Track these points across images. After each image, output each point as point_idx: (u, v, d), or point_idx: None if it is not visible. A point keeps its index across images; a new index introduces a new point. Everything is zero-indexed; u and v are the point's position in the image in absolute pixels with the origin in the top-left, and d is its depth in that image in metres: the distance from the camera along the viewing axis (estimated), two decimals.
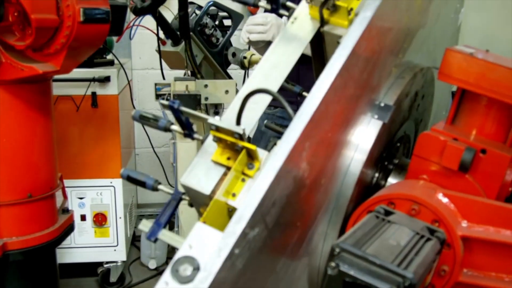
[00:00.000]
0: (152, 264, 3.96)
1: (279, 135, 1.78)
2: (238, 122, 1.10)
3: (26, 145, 1.97)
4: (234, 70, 3.60)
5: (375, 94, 1.14)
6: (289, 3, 1.37)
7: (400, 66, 1.23)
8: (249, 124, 1.17)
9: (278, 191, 0.82)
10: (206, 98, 2.60)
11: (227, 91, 2.62)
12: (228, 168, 1.11)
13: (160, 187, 1.30)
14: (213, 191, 1.10)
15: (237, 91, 3.39)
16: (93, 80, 3.06)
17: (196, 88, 2.47)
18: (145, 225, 1.23)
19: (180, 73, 3.10)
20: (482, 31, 3.51)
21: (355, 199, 1.16)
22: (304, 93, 1.72)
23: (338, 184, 1.11)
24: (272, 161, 0.79)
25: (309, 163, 0.89)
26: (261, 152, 1.10)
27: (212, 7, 3.32)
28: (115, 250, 3.40)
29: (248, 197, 0.78)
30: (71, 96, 3.09)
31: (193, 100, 2.37)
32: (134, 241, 4.29)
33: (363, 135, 1.14)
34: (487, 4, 3.44)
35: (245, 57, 3.45)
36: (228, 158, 1.11)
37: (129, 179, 1.32)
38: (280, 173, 0.79)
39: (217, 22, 3.35)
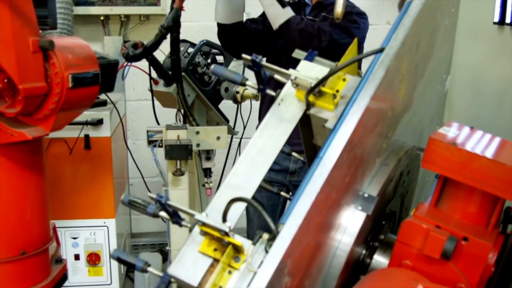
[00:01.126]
0: None
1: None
2: (224, 219, 1.12)
3: (19, 203, 1.99)
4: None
5: (358, 184, 1.17)
6: (276, 76, 1.40)
7: (385, 151, 1.25)
8: (235, 215, 1.18)
9: None
10: (198, 145, 2.62)
11: (218, 137, 2.64)
12: (215, 259, 1.14)
13: (149, 269, 1.31)
14: (200, 283, 1.12)
15: (229, 128, 3.43)
16: (86, 123, 3.09)
17: (188, 136, 2.50)
18: None
19: (172, 114, 3.13)
20: (473, 68, 3.55)
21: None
22: (294, 153, 1.76)
23: (322, 276, 1.13)
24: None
25: (291, 275, 0.91)
26: (246, 244, 1.12)
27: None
28: None
29: None
30: (64, 138, 3.12)
31: (185, 151, 2.39)
32: (128, 272, 4.29)
33: (348, 223, 1.17)
34: (477, 42, 3.49)
35: (237, 92, 3.48)
36: (215, 249, 1.13)
37: (119, 260, 1.33)
38: None
39: (209, 60, 3.37)
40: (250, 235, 2.94)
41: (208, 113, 3.39)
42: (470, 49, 3.49)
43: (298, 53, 1.54)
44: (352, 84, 1.30)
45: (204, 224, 1.10)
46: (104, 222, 3.30)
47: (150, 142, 2.66)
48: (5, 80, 1.76)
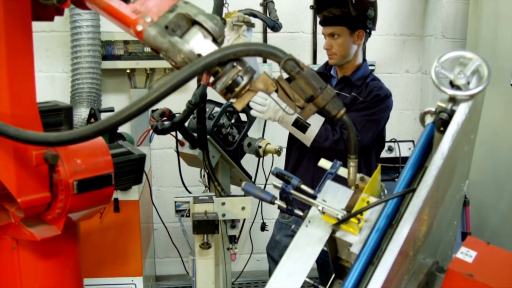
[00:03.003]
0: None
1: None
2: None
3: (57, 286, 2.08)
4: None
5: None
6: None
7: (405, 280, 1.34)
8: None
9: None
10: (224, 215, 2.71)
11: (243, 208, 2.73)
12: None
13: None
14: None
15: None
16: (116, 189, 3.19)
17: (214, 208, 2.59)
18: None
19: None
20: (490, 125, 3.64)
21: None
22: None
23: None
24: None
25: None
26: None
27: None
28: None
29: None
30: None
31: (212, 225, 2.48)
32: None
33: None
34: (494, 102, 3.57)
35: (260, 146, 3.57)
36: None
37: None
38: None
39: (233, 120, 3.47)
40: None
41: (232, 170, 3.49)
42: (487, 108, 3.57)
43: (323, 163, 1.65)
44: (376, 207, 1.40)
45: None
46: (132, 280, 3.41)
47: (177, 212, 2.76)
48: (4, 190, 1.74)
